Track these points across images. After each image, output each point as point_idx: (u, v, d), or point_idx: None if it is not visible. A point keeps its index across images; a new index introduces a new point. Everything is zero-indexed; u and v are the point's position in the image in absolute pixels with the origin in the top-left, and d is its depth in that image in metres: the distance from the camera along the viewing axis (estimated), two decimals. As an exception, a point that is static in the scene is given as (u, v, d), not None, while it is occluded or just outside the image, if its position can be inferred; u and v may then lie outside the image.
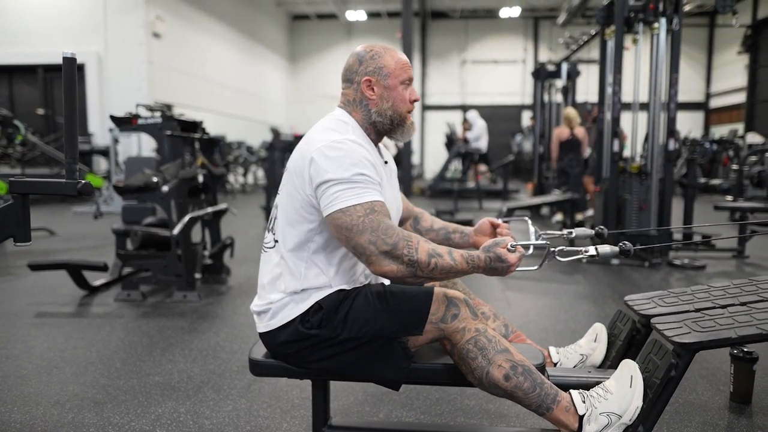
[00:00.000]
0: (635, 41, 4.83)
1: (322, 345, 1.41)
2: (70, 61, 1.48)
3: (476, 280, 3.99)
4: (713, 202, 5.50)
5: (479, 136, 10.23)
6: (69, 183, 1.52)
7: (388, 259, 1.30)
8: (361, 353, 1.41)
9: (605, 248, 1.47)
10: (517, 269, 1.38)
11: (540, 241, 1.45)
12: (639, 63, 4.79)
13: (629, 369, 1.43)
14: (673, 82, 4.59)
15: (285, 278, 1.43)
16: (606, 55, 5.15)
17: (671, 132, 4.63)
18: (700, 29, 17.53)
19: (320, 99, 18.45)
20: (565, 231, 1.53)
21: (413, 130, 1.53)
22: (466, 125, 10.52)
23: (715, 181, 7.66)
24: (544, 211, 8.08)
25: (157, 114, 3.79)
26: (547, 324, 3.10)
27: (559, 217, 6.95)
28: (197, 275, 3.59)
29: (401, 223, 1.75)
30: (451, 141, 11.63)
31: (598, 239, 1.56)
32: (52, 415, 2.00)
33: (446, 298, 1.41)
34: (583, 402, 1.40)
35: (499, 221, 1.66)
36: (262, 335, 1.49)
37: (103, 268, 3.53)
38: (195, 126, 4.00)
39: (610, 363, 1.70)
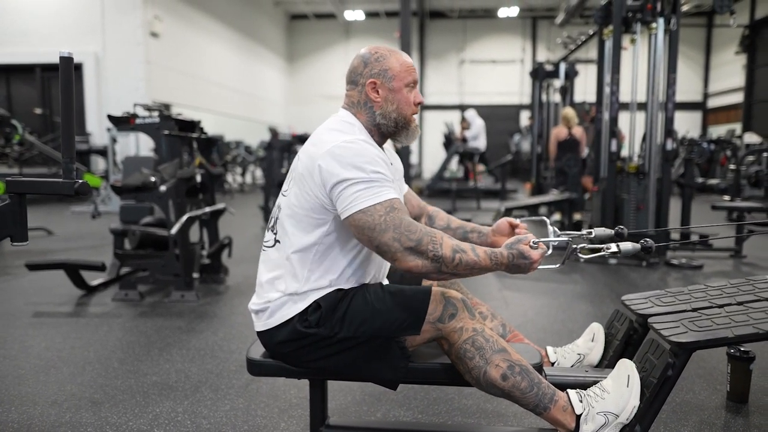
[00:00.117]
0: (633, 41, 4.83)
1: (320, 344, 1.41)
2: (67, 60, 1.48)
3: (474, 280, 3.98)
4: (711, 202, 5.51)
5: (477, 135, 10.22)
6: (66, 183, 1.51)
7: (413, 255, 1.30)
8: (358, 353, 1.41)
9: (627, 245, 1.47)
10: (539, 267, 1.38)
11: (562, 238, 1.46)
12: (637, 63, 4.80)
13: (626, 368, 1.44)
14: (670, 82, 4.60)
15: (285, 279, 1.43)
16: (604, 55, 5.16)
17: (669, 132, 4.63)
18: (698, 29, 17.56)
19: (318, 98, 18.47)
20: (584, 231, 1.53)
21: (417, 132, 1.52)
22: (465, 124, 10.50)
23: (713, 181, 7.66)
24: (542, 210, 8.08)
25: (155, 114, 3.79)
26: (545, 323, 3.10)
27: (557, 216, 6.95)
28: (195, 275, 3.59)
29: None
30: (449, 140, 11.63)
31: (617, 239, 1.57)
32: (50, 415, 2.00)
33: (444, 297, 1.41)
34: (581, 401, 1.41)
35: (518, 221, 1.64)
36: (260, 334, 1.48)
37: (100, 267, 3.53)
38: (193, 126, 3.99)
39: (607, 362, 1.71)
